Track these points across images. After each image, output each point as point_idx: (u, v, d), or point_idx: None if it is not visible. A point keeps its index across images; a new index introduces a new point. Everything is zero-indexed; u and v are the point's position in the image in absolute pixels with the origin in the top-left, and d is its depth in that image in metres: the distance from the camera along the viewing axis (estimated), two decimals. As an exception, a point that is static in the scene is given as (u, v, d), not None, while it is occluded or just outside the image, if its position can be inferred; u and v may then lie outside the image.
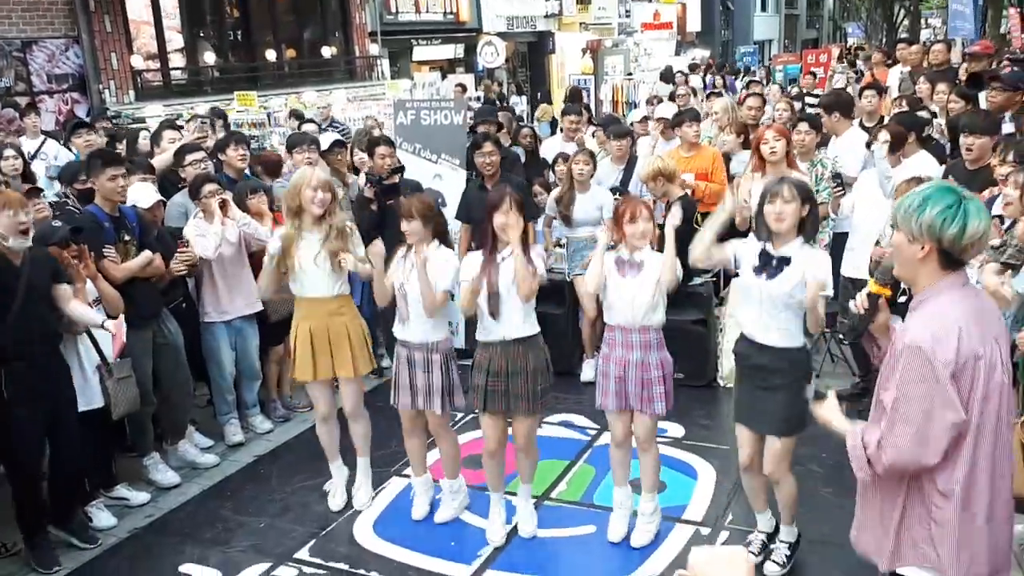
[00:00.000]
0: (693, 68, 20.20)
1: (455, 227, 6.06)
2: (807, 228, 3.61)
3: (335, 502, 4.66)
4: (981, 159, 4.99)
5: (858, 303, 2.62)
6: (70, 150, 7.92)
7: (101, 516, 4.58)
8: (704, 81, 17.46)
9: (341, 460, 4.74)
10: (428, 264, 4.03)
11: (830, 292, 3.58)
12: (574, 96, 13.05)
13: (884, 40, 33.93)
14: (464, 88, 14.10)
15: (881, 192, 5.17)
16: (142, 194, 5.14)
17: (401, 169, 6.33)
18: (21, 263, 4.02)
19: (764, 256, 3.63)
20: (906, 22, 38.80)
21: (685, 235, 3.96)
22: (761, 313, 3.64)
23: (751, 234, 3.81)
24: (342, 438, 4.73)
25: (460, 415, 5.44)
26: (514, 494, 4.37)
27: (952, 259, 2.33)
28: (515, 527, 4.35)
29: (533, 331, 4.07)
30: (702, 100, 11.49)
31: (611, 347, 4.03)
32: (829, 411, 2.61)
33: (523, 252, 3.89)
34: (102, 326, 4.26)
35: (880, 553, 2.50)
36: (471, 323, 6.09)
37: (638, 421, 4.04)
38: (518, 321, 4.00)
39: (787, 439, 3.69)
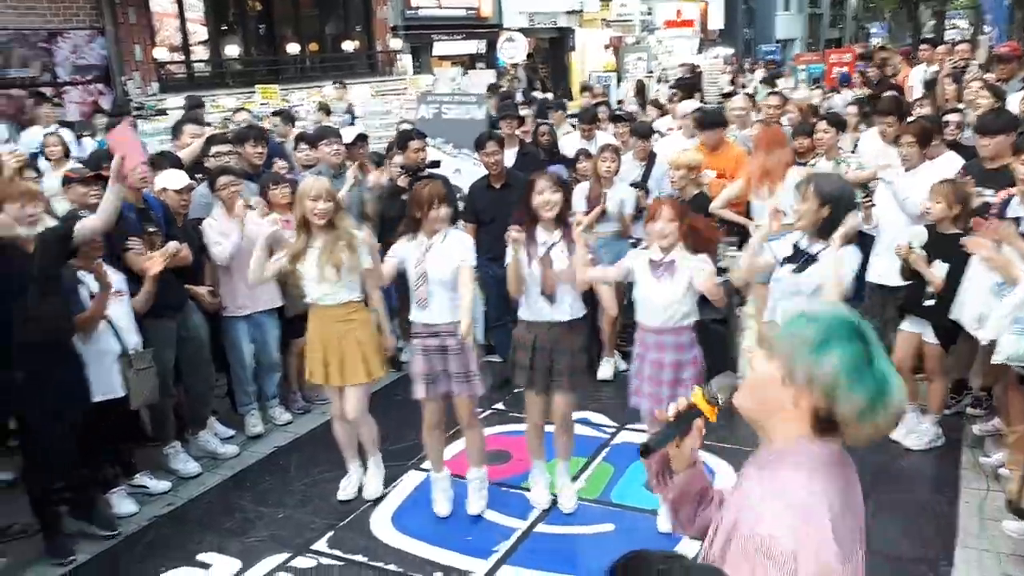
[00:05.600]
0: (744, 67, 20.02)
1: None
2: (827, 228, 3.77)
3: (345, 493, 4.70)
4: (999, 157, 4.87)
5: (670, 411, 1.85)
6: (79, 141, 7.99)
7: (123, 503, 4.62)
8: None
9: (360, 460, 4.78)
10: (446, 247, 4.11)
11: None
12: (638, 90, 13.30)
13: (910, 40, 33.56)
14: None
15: (905, 214, 4.98)
16: (173, 178, 5.17)
17: (436, 163, 6.34)
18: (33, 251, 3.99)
19: (796, 250, 3.82)
20: (931, 22, 38.42)
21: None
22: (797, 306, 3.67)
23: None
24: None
25: (479, 410, 5.43)
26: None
27: (833, 426, 1.60)
28: (533, 522, 4.36)
29: (582, 312, 4.19)
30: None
31: (645, 348, 4.04)
32: None
33: (567, 234, 4.02)
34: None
35: None
36: (490, 317, 6.16)
37: None
38: (568, 303, 4.12)
39: None
